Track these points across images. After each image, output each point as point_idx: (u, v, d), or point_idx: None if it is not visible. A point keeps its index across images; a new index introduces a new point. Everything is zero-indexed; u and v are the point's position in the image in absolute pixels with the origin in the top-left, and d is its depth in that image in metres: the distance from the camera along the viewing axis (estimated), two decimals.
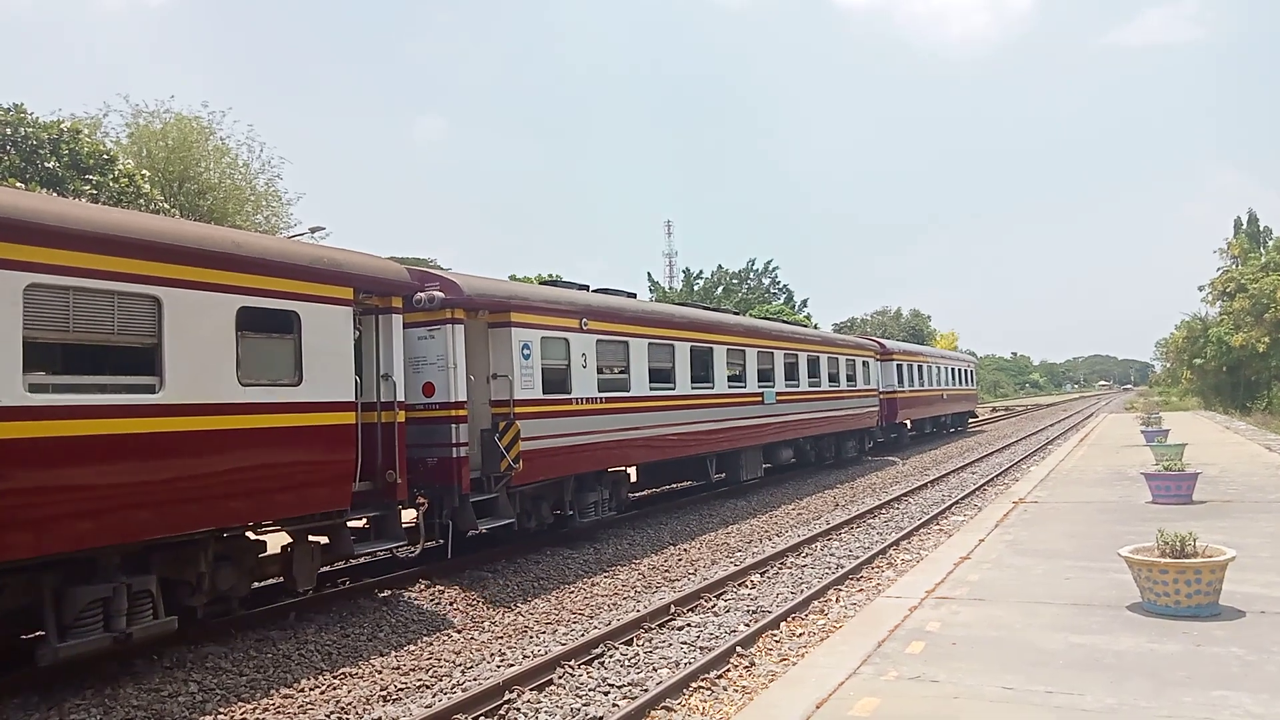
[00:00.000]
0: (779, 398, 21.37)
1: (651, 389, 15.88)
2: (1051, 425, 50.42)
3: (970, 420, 49.26)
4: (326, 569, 11.22)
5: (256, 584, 9.84)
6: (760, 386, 20.48)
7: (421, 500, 10.99)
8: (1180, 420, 35.61)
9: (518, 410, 12.27)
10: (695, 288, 64.25)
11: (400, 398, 10.30)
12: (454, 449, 11.57)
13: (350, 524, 10.06)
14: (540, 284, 18.56)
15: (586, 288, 15.76)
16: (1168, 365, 71.61)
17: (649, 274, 71.77)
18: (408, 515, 10.87)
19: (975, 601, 7.96)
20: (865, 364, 28.80)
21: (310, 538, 9.86)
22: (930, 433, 40.17)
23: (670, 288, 67.79)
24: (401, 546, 11.05)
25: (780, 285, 66.52)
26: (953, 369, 42.70)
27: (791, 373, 22.68)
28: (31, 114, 20.49)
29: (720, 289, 63.68)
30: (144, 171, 23.42)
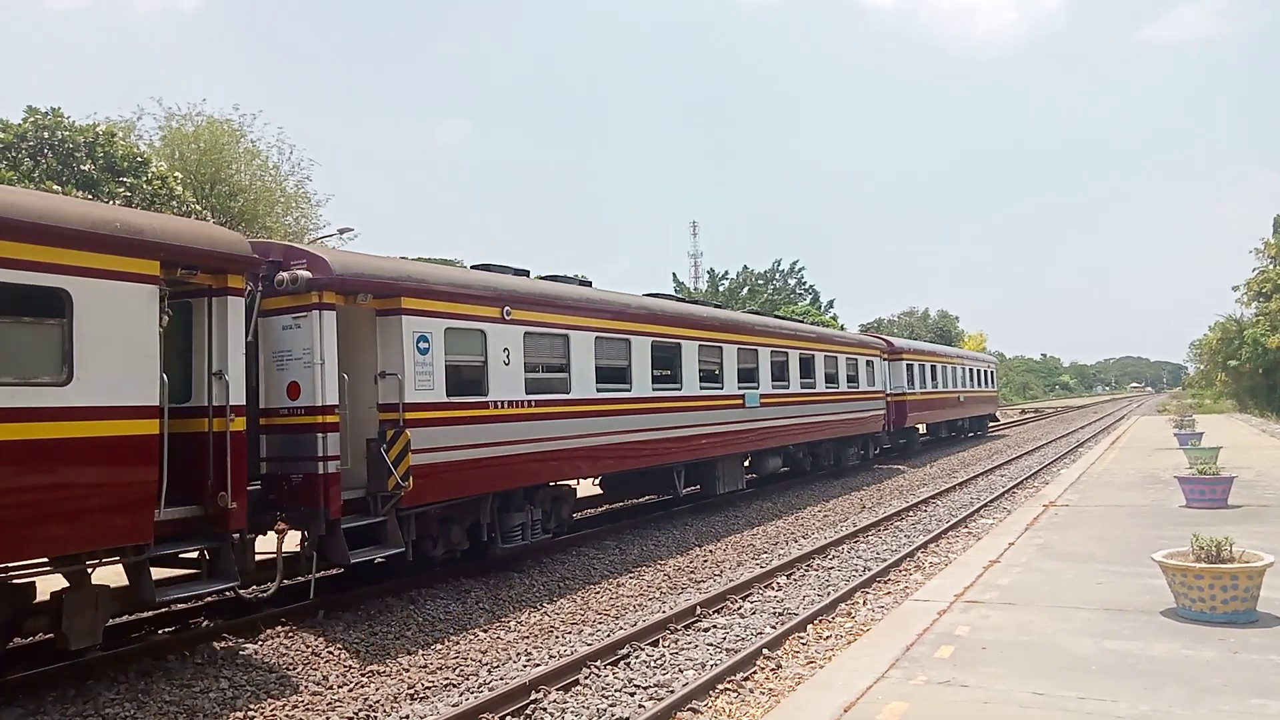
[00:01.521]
0: (764, 400, 19.20)
1: (600, 391, 13.77)
2: (1082, 428, 49.77)
3: (990, 424, 47.10)
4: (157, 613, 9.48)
5: (16, 642, 8.21)
6: (741, 388, 18.37)
7: (281, 527, 9.27)
8: (1214, 423, 35.02)
9: (410, 416, 10.25)
10: (720, 288, 64.14)
11: (236, 400, 8.33)
12: (320, 464, 9.39)
13: (204, 554, 8.36)
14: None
15: (527, 273, 13.53)
16: (1201, 367, 70.37)
17: (674, 274, 71.75)
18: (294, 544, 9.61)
19: (1005, 605, 7.87)
20: (870, 363, 26.72)
21: (128, 578, 7.99)
22: (947, 437, 38.08)
23: (695, 288, 67.72)
24: (236, 587, 8.81)
25: (806, 286, 66.29)
26: (970, 369, 40.25)
27: (780, 372, 20.53)
28: (68, 118, 20.84)
29: (745, 289, 63.53)
30: (176, 174, 23.75)
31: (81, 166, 20.22)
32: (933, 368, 33.56)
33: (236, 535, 8.37)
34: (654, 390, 15.26)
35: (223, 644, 8.91)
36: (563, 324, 13.11)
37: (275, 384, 9.77)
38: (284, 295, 9.63)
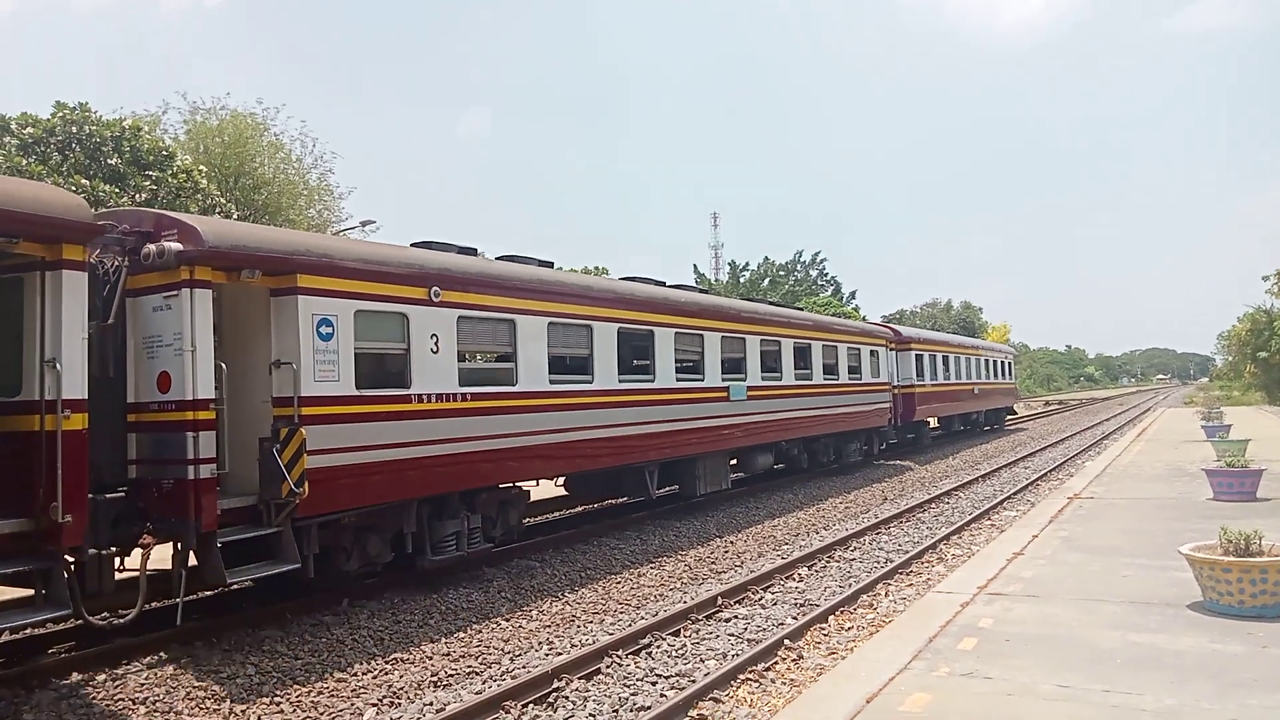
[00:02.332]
0: (752, 393, 17.77)
1: (554, 383, 12.47)
2: (1107, 420, 49.28)
3: (1009, 418, 45.14)
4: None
5: None
6: (726, 380, 16.98)
7: (146, 540, 8.09)
8: (1242, 415, 34.54)
9: (308, 411, 8.93)
10: (741, 280, 63.96)
11: (73, 393, 7.05)
12: (190, 467, 8.08)
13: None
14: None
15: (473, 251, 12.14)
16: (1230, 359, 69.37)
17: (695, 266, 71.72)
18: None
19: (1029, 598, 7.82)
20: (874, 354, 25.17)
21: None
22: (961, 430, 36.66)
23: (716, 280, 67.58)
24: (67, 616, 7.34)
25: (828, 277, 65.99)
26: (986, 360, 38.43)
27: (771, 363, 19.02)
28: (95, 112, 21.06)
29: (767, 281, 63.30)
30: (201, 167, 23.95)
31: (109, 160, 20.44)
32: (945, 358, 32.08)
33: (73, 554, 7.16)
34: (621, 382, 13.88)
35: (68, 681, 7.72)
36: (508, 307, 11.71)
37: (146, 374, 8.48)
38: (154, 271, 8.34)
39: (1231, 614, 6.90)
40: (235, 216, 22.70)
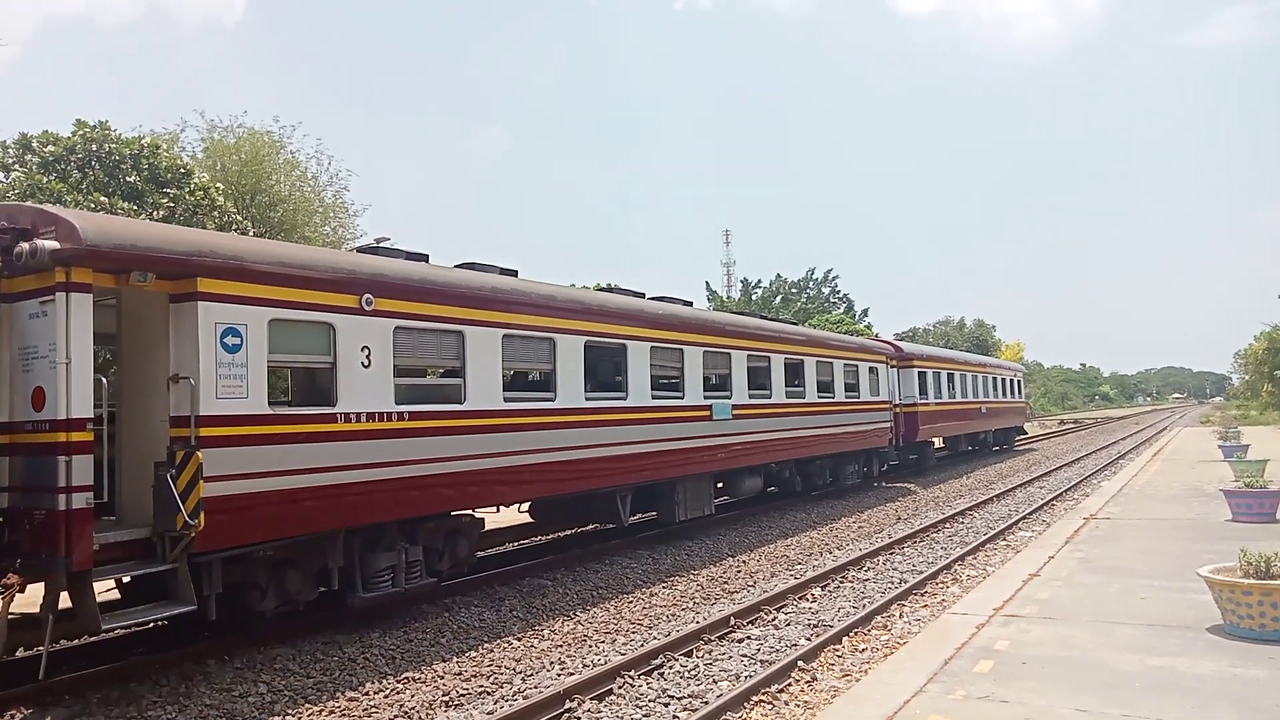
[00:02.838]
0: (738, 412, 16.76)
1: (510, 401, 11.46)
2: (1123, 439, 48.90)
3: (1019, 438, 43.98)
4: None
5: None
6: (709, 397, 15.99)
7: (10, 580, 7.08)
8: (1261, 435, 34.20)
9: (208, 433, 7.95)
10: (754, 297, 63.97)
11: None
12: (62, 496, 7.15)
13: None
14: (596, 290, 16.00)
15: (425, 258, 11.25)
16: (1246, 378, 68.84)
17: (707, 283, 71.63)
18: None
19: (1046, 620, 7.75)
20: (873, 370, 24.11)
21: None
22: (968, 451, 35.53)
23: (728, 297, 67.59)
24: None
25: (840, 295, 65.88)
26: (994, 378, 37.30)
27: (759, 380, 17.94)
28: (115, 131, 21.31)
29: (779, 298, 63.27)
30: (218, 185, 24.15)
31: (127, 178, 20.65)
32: (950, 376, 31.02)
33: None
34: (589, 400, 12.91)
35: None
36: (455, 318, 10.70)
37: (21, 390, 7.63)
38: (30, 274, 7.52)
39: (1253, 637, 6.81)
40: (251, 233, 22.88)
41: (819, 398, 20.52)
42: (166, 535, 7.81)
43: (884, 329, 68.01)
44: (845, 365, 22.29)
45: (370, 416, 9.50)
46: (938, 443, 31.89)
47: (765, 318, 22.28)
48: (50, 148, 20.21)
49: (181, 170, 22.41)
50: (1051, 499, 21.55)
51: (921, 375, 28.10)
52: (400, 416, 9.87)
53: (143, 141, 21.76)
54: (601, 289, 17.39)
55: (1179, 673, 6.14)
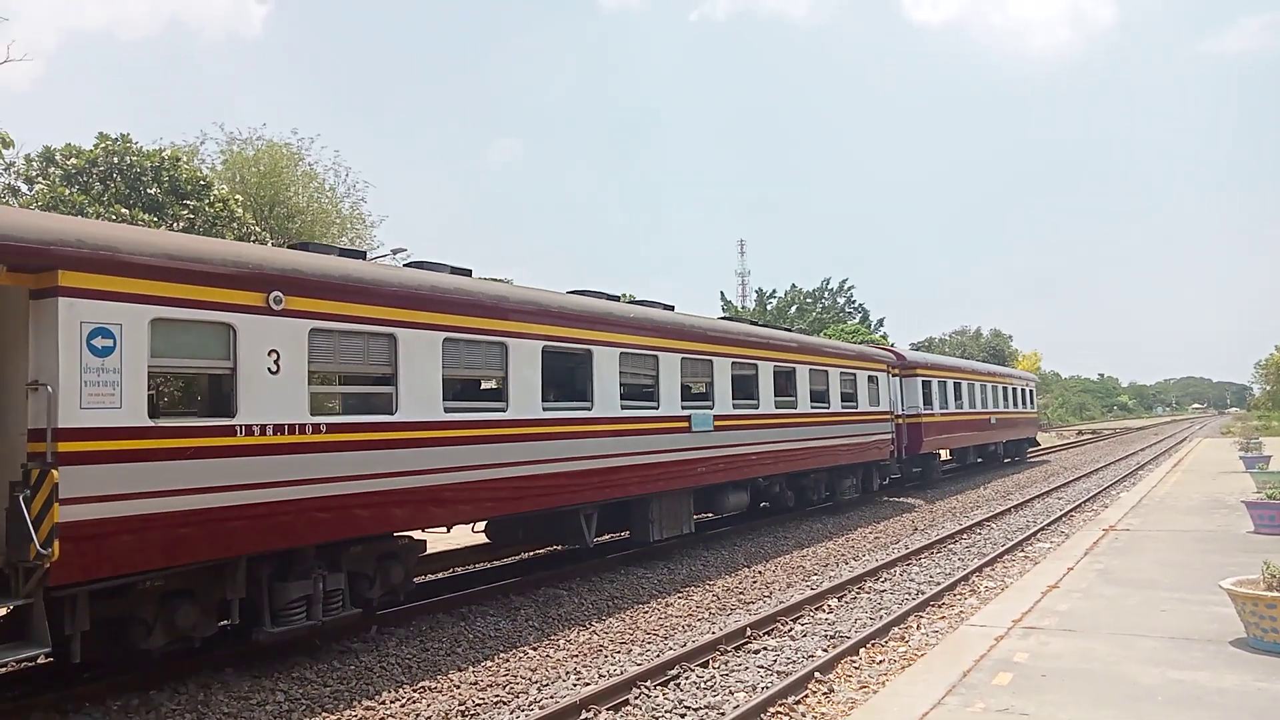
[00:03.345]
0: (720, 423, 15.58)
1: (452, 411, 10.36)
2: (1142, 450, 48.46)
3: (1031, 449, 42.37)
4: None
5: None
6: (688, 407, 14.88)
7: None
8: None
9: (70, 447, 7.00)
10: (769, 307, 63.94)
11: None
12: None
13: None
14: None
15: (362, 255, 10.48)
16: (1267, 387, 68.19)
17: (722, 293, 71.73)
18: None
19: (1065, 632, 7.69)
20: (872, 379, 22.87)
21: None
22: (977, 462, 34.20)
23: (743, 307, 67.57)
24: None
25: (856, 304, 65.80)
26: (1004, 388, 35.88)
27: (745, 389, 16.81)
28: (136, 143, 21.58)
29: (794, 308, 63.25)
30: (237, 196, 24.40)
31: (148, 190, 20.90)
32: (956, 385, 29.63)
33: None
34: (547, 411, 11.76)
35: None
36: (386, 319, 9.60)
37: None
38: None
39: (1277, 651, 6.74)
40: (270, 244, 23.08)
41: (812, 408, 19.33)
42: (20, 566, 6.86)
43: (900, 339, 67.87)
44: (842, 373, 21.10)
45: (278, 429, 8.43)
46: (944, 455, 30.82)
47: (753, 322, 20.42)
48: (73, 160, 20.51)
49: (201, 182, 22.67)
50: (1070, 510, 21.38)
51: (926, 384, 27.02)
52: (316, 429, 8.77)
53: (163, 154, 22.03)
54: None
55: (1201, 686, 6.07)
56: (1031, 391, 42.22)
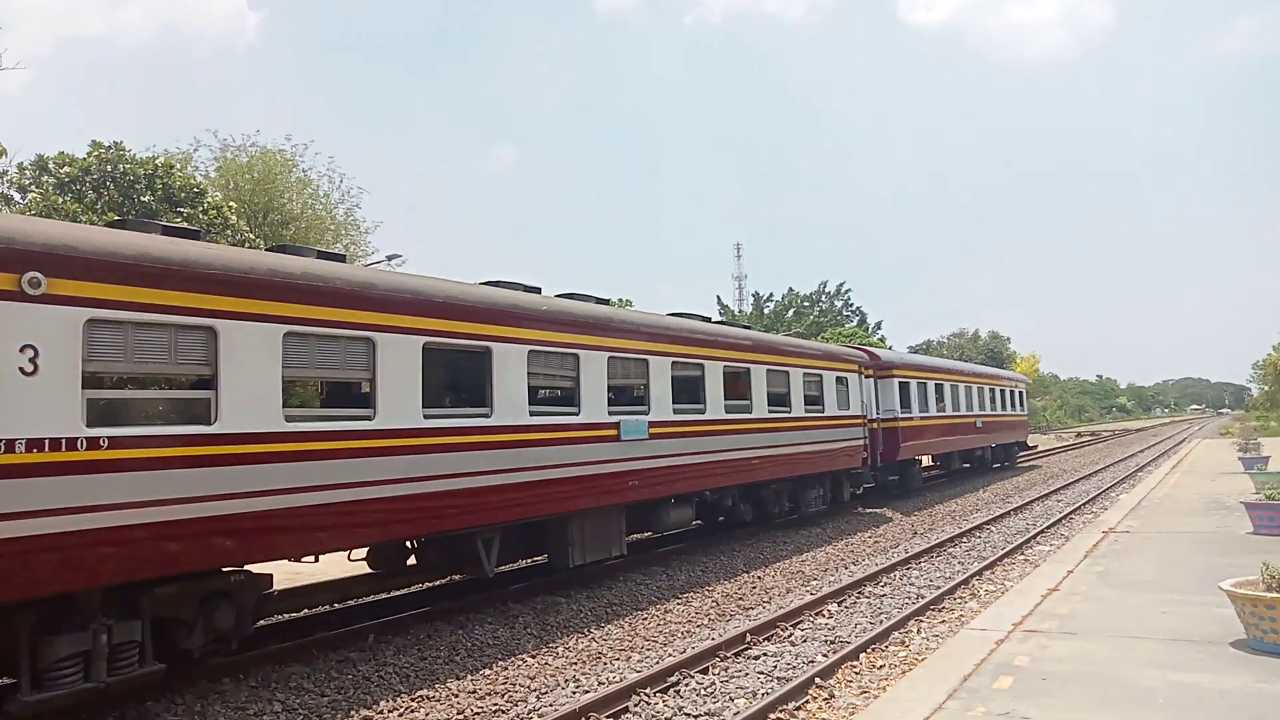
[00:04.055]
0: (656, 430, 13.73)
1: (295, 420, 8.61)
2: (1140, 451, 48.49)
3: (1023, 453, 40.51)
4: None
5: None
6: (617, 412, 13.06)
7: None
8: None
9: None
10: (765, 310, 63.95)
11: None
12: None
13: None
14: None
15: (195, 235, 8.67)
16: (1265, 388, 68.31)
17: (718, 297, 71.71)
18: None
19: (1066, 635, 7.66)
20: (842, 380, 21.08)
21: None
22: (963, 468, 32.35)
23: (740, 310, 67.58)
24: None
25: (853, 308, 65.81)
26: (992, 390, 34.18)
27: (688, 391, 14.99)
28: (129, 151, 21.55)
29: (791, 311, 63.27)
30: (231, 203, 24.38)
31: (142, 198, 20.87)
32: (938, 387, 28.01)
33: None
34: (429, 419, 9.97)
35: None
36: (193, 308, 7.78)
37: None
38: None
39: (1277, 652, 6.71)
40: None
41: (770, 412, 17.46)
42: None
43: (898, 342, 67.97)
44: (805, 375, 19.18)
45: (35, 445, 6.67)
46: (926, 460, 29.25)
47: (702, 319, 17.51)
48: (66, 169, 20.47)
49: (195, 189, 22.66)
50: (1069, 513, 21.37)
51: (903, 386, 25.23)
52: (94, 444, 7.00)
53: (156, 161, 22.02)
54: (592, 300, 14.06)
55: (1202, 688, 6.05)
56: (1022, 393, 40.76)
